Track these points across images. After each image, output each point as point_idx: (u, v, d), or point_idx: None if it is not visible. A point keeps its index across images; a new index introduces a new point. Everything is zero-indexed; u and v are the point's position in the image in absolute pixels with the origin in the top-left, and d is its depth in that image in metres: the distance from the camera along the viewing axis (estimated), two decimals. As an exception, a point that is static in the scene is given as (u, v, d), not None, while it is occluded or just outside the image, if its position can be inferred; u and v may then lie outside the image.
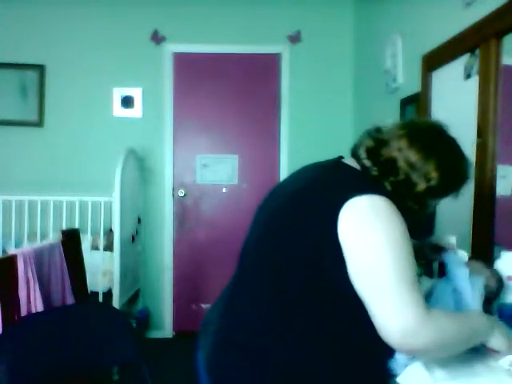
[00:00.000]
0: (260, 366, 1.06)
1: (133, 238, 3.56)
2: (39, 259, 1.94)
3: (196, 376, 1.23)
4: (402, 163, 1.06)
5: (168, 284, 3.87)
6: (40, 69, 3.74)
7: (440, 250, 1.37)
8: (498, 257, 1.37)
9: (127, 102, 3.79)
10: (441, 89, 2.19)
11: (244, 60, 3.89)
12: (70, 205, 3.37)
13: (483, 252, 1.73)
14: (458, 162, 1.13)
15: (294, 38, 3.82)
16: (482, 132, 1.77)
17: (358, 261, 0.99)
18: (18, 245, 3.27)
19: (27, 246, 2.45)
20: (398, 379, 1.04)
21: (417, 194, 1.08)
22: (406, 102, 2.64)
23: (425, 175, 1.06)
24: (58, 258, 2.10)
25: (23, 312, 1.80)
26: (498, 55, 1.71)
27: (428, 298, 1.18)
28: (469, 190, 1.84)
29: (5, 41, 3.72)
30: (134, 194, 3.59)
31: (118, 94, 3.78)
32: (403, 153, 1.07)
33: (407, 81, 2.66)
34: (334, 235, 1.00)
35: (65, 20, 3.76)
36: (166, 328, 3.87)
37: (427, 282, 1.32)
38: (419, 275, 1.37)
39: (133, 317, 3.57)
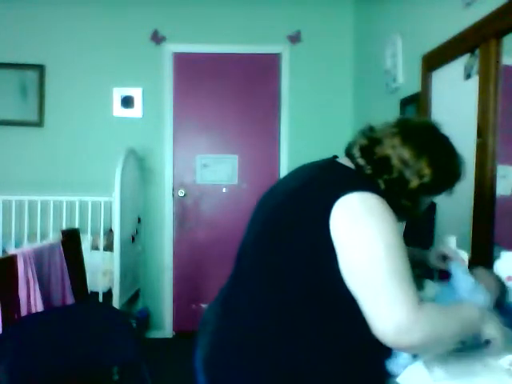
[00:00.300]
0: (257, 366, 1.06)
1: (133, 238, 3.56)
2: (39, 259, 1.94)
3: (195, 376, 1.23)
4: (395, 161, 1.08)
5: (168, 284, 3.87)
6: (40, 69, 3.74)
7: (445, 259, 1.37)
8: (498, 257, 1.37)
9: (127, 101, 3.79)
10: (441, 89, 2.19)
11: (244, 60, 3.89)
12: (70, 205, 3.37)
13: (483, 252, 1.74)
14: (450, 159, 1.14)
15: (294, 38, 3.82)
16: (482, 132, 1.77)
17: (350, 258, 0.99)
18: (18, 245, 3.27)
19: (27, 246, 2.45)
20: (398, 379, 1.04)
21: (410, 191, 1.09)
22: (405, 102, 2.64)
23: (418, 172, 1.07)
24: (58, 258, 2.10)
25: (23, 312, 1.80)
26: (498, 55, 1.71)
27: None
28: (469, 190, 1.84)
29: (5, 41, 3.72)
30: (134, 194, 3.59)
31: (117, 94, 3.78)
32: (396, 150, 1.08)
33: (407, 81, 2.66)
34: (326, 233, 1.00)
35: (65, 20, 3.76)
36: (166, 328, 3.87)
37: (431, 289, 1.30)
38: (419, 276, 1.37)
39: (133, 317, 3.57)
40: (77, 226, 3.13)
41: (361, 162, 1.11)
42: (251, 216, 1.25)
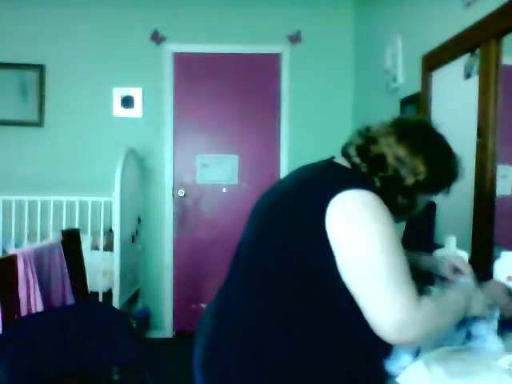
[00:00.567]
0: (254, 366, 1.06)
1: (133, 238, 3.56)
2: (39, 259, 1.94)
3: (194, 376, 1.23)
4: (390, 159, 1.09)
5: (168, 284, 3.87)
6: (40, 69, 3.74)
7: (457, 271, 1.36)
8: (498, 257, 1.36)
9: (127, 102, 3.79)
10: (441, 89, 2.19)
11: (244, 60, 3.89)
12: (70, 205, 3.37)
13: (483, 252, 1.74)
14: (446, 157, 1.15)
15: (294, 38, 3.82)
16: (482, 132, 1.77)
17: (348, 256, 0.99)
18: (18, 245, 3.27)
19: (27, 246, 2.45)
20: (398, 379, 1.04)
21: (406, 189, 1.10)
22: (406, 102, 2.64)
23: (413, 170, 1.08)
24: (58, 258, 2.10)
25: (23, 312, 1.80)
26: (498, 55, 1.71)
27: None
28: (469, 190, 1.84)
29: (5, 41, 3.72)
30: (134, 194, 3.59)
31: (117, 94, 3.78)
32: (392, 149, 1.09)
33: (407, 81, 2.66)
34: (322, 231, 1.00)
35: (65, 20, 3.76)
36: (166, 328, 3.87)
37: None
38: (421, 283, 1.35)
39: (133, 317, 3.57)
40: (77, 226, 3.14)
41: (356, 160, 1.12)
42: (249, 216, 1.26)
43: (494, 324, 1.13)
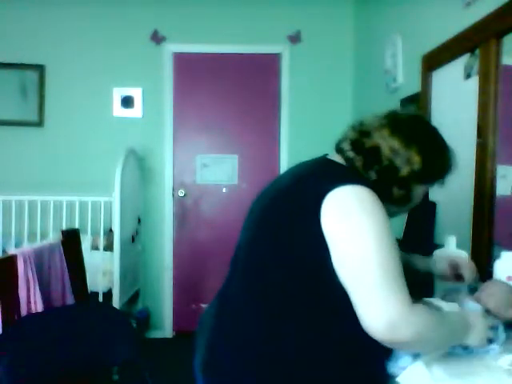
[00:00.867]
0: (254, 367, 1.06)
1: (133, 238, 3.56)
2: (39, 259, 1.94)
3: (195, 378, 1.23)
4: (385, 150, 1.09)
5: (168, 284, 3.87)
6: (40, 69, 3.73)
7: (456, 269, 1.36)
8: (498, 257, 1.37)
9: (127, 101, 3.79)
10: (441, 89, 2.19)
11: (244, 60, 3.88)
12: (70, 205, 3.37)
13: (483, 252, 1.74)
14: (439, 148, 1.16)
15: (294, 38, 3.82)
16: (482, 132, 1.77)
17: (342, 252, 0.99)
18: (18, 245, 3.26)
19: (27, 246, 2.45)
20: (398, 379, 1.04)
21: (401, 180, 1.10)
22: (405, 102, 2.64)
23: (408, 160, 1.09)
24: (58, 258, 2.10)
25: (23, 312, 1.80)
26: (498, 55, 1.71)
27: None
28: (469, 190, 1.84)
29: (5, 41, 3.72)
30: (134, 194, 3.59)
31: (117, 94, 3.78)
32: (386, 141, 1.10)
33: (407, 81, 2.66)
34: (318, 228, 1.00)
35: (65, 20, 3.76)
36: (165, 328, 3.87)
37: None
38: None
39: (133, 317, 3.57)
40: (77, 226, 3.13)
41: (351, 154, 1.12)
42: (247, 215, 1.25)
43: (499, 340, 1.10)
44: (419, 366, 1.03)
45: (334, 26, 3.85)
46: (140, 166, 3.75)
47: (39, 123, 3.75)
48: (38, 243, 2.54)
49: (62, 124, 3.78)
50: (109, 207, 3.39)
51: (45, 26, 3.75)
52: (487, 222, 1.74)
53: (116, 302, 3.09)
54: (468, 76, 1.92)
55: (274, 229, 1.09)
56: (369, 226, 0.98)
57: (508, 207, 1.75)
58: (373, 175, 1.10)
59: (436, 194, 2.20)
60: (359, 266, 0.97)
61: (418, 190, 1.16)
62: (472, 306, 1.16)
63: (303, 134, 3.82)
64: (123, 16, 3.78)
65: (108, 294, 3.17)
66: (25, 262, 1.84)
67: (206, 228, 3.90)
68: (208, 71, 3.87)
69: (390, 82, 2.86)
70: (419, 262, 1.41)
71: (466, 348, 1.08)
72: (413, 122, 1.16)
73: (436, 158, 1.14)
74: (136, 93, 3.78)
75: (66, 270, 2.13)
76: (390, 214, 1.08)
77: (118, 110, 3.78)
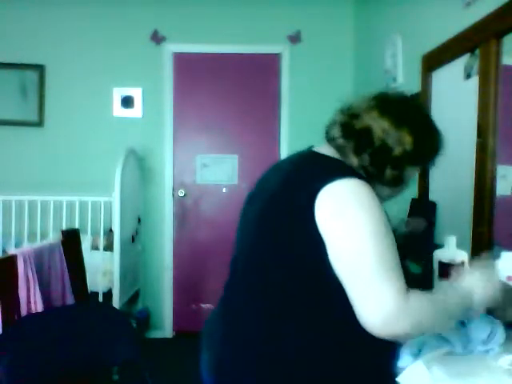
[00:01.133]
0: (254, 366, 1.06)
1: (133, 238, 3.55)
2: (39, 259, 1.94)
3: (197, 376, 1.23)
4: (376, 130, 1.08)
5: (168, 284, 3.87)
6: (40, 69, 3.73)
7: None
8: (498, 257, 1.36)
9: (127, 101, 3.79)
10: (441, 89, 2.19)
11: (244, 60, 3.88)
12: (70, 205, 3.37)
13: (483, 252, 1.73)
14: (429, 128, 1.16)
15: (294, 38, 3.82)
16: (482, 132, 1.77)
17: (338, 246, 0.98)
18: (18, 245, 3.26)
19: (27, 246, 2.45)
20: (398, 379, 1.04)
21: (394, 159, 1.09)
22: (406, 102, 2.64)
23: (399, 140, 1.08)
24: (58, 258, 2.10)
25: (23, 312, 1.80)
26: (498, 55, 1.71)
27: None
28: (469, 190, 1.84)
29: (5, 41, 3.72)
30: (134, 194, 3.59)
31: (117, 94, 3.78)
32: (376, 122, 1.09)
33: (407, 81, 2.66)
34: (313, 224, 0.99)
35: (65, 20, 3.76)
36: (165, 328, 3.87)
37: None
38: (418, 273, 1.34)
39: (133, 317, 3.56)
40: (77, 226, 3.13)
41: (341, 142, 1.12)
42: (240, 220, 1.25)
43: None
44: (419, 365, 1.03)
45: (334, 25, 3.85)
46: (140, 166, 3.75)
47: (39, 123, 3.75)
48: (38, 243, 2.54)
49: (62, 124, 3.78)
50: (109, 207, 3.39)
51: (45, 26, 3.75)
52: (487, 222, 1.74)
53: (116, 302, 3.09)
54: (468, 76, 1.92)
55: (272, 230, 1.08)
56: (364, 219, 0.98)
57: (508, 207, 1.75)
58: (366, 158, 1.09)
59: (436, 194, 2.20)
60: (355, 260, 0.96)
61: (410, 171, 1.15)
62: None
63: (303, 134, 3.80)
64: (123, 16, 3.78)
65: (108, 294, 3.17)
66: (25, 262, 1.84)
67: (206, 228, 3.90)
68: (208, 71, 3.87)
69: (390, 82, 2.86)
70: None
71: (465, 347, 1.08)
72: (402, 102, 1.16)
73: (427, 139, 1.14)
74: (136, 93, 3.78)
75: (66, 269, 2.13)
76: (383, 198, 1.08)
77: (118, 110, 3.78)
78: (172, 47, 3.82)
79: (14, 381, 1.42)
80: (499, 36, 1.70)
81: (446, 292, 1.07)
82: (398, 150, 1.08)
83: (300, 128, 3.83)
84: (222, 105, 3.89)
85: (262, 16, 3.80)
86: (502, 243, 1.66)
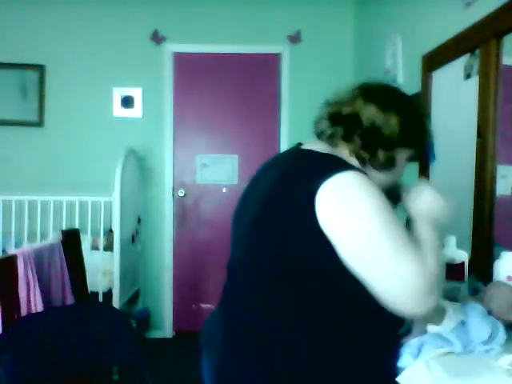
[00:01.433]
0: (264, 370, 1.05)
1: (133, 238, 3.56)
2: (39, 259, 1.94)
3: (197, 376, 1.23)
4: (364, 114, 1.11)
5: (168, 284, 3.87)
6: (40, 69, 3.74)
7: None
8: (498, 257, 1.37)
9: (127, 101, 3.79)
10: (441, 89, 2.19)
11: (244, 60, 3.89)
12: (70, 205, 3.37)
13: (483, 252, 1.73)
14: (415, 111, 1.18)
15: (294, 38, 3.82)
16: (482, 132, 1.77)
17: (350, 243, 0.97)
18: (18, 245, 3.27)
19: (27, 246, 2.45)
20: (397, 379, 1.04)
21: (385, 140, 1.10)
22: (406, 102, 2.64)
23: (387, 121, 1.10)
24: (58, 257, 2.10)
25: (23, 312, 1.80)
26: (498, 55, 1.71)
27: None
28: (469, 190, 1.84)
29: (5, 41, 3.72)
30: (134, 194, 3.59)
31: (117, 94, 3.78)
32: (363, 108, 1.11)
33: (407, 81, 2.66)
34: (315, 224, 0.98)
35: (65, 20, 3.76)
36: (165, 328, 3.87)
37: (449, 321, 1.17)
38: None
39: (133, 317, 3.57)
40: (77, 226, 3.14)
41: (331, 131, 1.14)
42: (233, 225, 1.24)
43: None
44: (419, 365, 1.03)
45: (334, 26, 3.85)
46: (140, 166, 3.75)
47: (39, 123, 3.75)
48: (38, 243, 2.54)
49: (62, 124, 3.78)
50: (109, 207, 3.39)
51: (45, 25, 3.75)
52: (487, 222, 1.74)
53: (116, 302, 3.09)
54: (468, 76, 1.92)
55: (269, 231, 1.06)
56: (368, 210, 0.97)
57: (508, 207, 1.75)
58: (357, 142, 1.10)
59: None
60: (372, 252, 0.96)
61: (402, 155, 1.15)
62: (474, 307, 1.16)
63: (303, 134, 3.79)
64: (123, 16, 3.78)
65: (108, 294, 3.18)
66: (25, 262, 1.84)
67: (206, 228, 3.90)
68: (208, 71, 3.87)
69: (390, 82, 2.86)
70: None
71: (466, 347, 1.08)
72: (385, 90, 1.19)
73: (413, 120, 1.15)
74: (136, 93, 3.78)
75: (66, 269, 2.12)
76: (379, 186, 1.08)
77: (118, 110, 3.79)
78: (172, 47, 3.82)
79: (14, 381, 1.42)
80: (499, 36, 1.70)
81: (423, 234, 1.09)
82: (386, 130, 1.10)
83: (300, 128, 3.81)
84: (221, 105, 3.89)
85: (262, 16, 3.80)
86: (502, 243, 1.66)
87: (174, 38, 3.80)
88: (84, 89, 3.78)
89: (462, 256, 1.43)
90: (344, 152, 1.13)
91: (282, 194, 1.06)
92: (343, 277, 1.00)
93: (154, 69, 3.81)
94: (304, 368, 1.03)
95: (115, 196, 3.15)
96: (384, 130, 1.10)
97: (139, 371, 1.58)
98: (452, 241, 1.44)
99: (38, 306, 1.86)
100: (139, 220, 3.73)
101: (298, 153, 1.17)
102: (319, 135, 1.19)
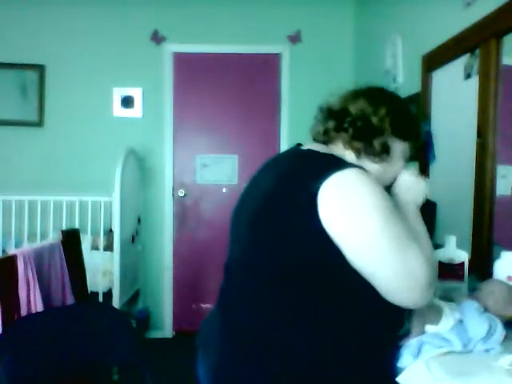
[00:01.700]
0: (269, 370, 1.05)
1: (133, 238, 3.56)
2: (39, 259, 1.94)
3: (196, 377, 1.23)
4: (354, 105, 1.16)
5: (168, 284, 3.87)
6: (40, 69, 3.74)
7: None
8: (498, 257, 1.37)
9: (127, 101, 3.79)
10: (441, 89, 2.19)
11: (244, 60, 3.89)
12: (70, 205, 3.38)
13: (483, 252, 1.74)
14: (404, 107, 1.21)
15: (294, 38, 3.82)
16: (482, 132, 1.78)
17: (354, 241, 0.97)
18: (18, 245, 3.27)
19: (27, 246, 2.45)
20: (397, 379, 1.04)
21: (377, 129, 1.13)
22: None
23: (376, 112, 1.14)
24: (58, 257, 2.10)
25: (23, 312, 1.80)
26: (498, 55, 1.71)
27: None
28: (469, 190, 1.84)
29: (5, 41, 3.72)
30: (134, 194, 3.59)
31: (117, 94, 3.78)
32: (352, 104, 1.16)
33: (407, 81, 2.66)
34: (317, 224, 0.98)
35: (65, 20, 3.76)
36: (166, 328, 3.88)
37: (448, 320, 1.16)
38: None
39: (133, 317, 3.57)
40: (77, 226, 3.14)
41: (324, 125, 1.19)
42: (232, 224, 1.25)
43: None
44: (419, 365, 1.03)
45: (334, 26, 3.85)
46: (140, 166, 3.75)
47: (39, 123, 3.75)
48: (38, 243, 2.54)
49: (62, 124, 3.78)
50: (109, 207, 3.39)
51: (45, 25, 3.76)
52: (487, 222, 1.74)
53: (116, 302, 3.09)
54: (468, 76, 1.92)
55: (269, 231, 1.06)
56: (371, 206, 0.97)
57: (508, 207, 1.75)
58: (349, 131, 1.13)
59: (436, 194, 2.19)
60: (376, 249, 0.96)
61: (396, 146, 1.16)
62: (470, 305, 1.16)
63: (303, 134, 3.80)
64: (123, 16, 3.78)
65: (108, 294, 3.18)
66: (25, 262, 1.84)
67: (206, 228, 3.90)
68: (208, 71, 3.87)
69: (390, 82, 2.86)
70: None
71: (465, 346, 1.08)
72: (374, 89, 1.22)
73: (402, 112, 1.18)
74: (136, 93, 3.78)
75: (66, 269, 2.13)
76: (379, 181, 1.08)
77: (118, 110, 3.79)
78: (172, 47, 3.82)
79: (14, 381, 1.42)
80: (499, 36, 1.70)
81: (417, 227, 1.11)
82: (376, 118, 1.13)
83: (300, 128, 3.81)
84: (221, 105, 3.89)
85: (262, 16, 3.80)
86: (501, 243, 1.66)
87: (173, 37, 3.80)
88: (84, 89, 3.78)
89: (462, 256, 1.43)
90: (339, 145, 1.16)
91: (281, 193, 1.06)
92: (343, 276, 1.01)
93: (154, 69, 3.81)
94: (303, 368, 1.03)
95: (115, 196, 3.15)
96: (373, 117, 1.13)
97: (139, 371, 1.58)
98: (452, 241, 1.44)
99: (38, 306, 1.86)
100: (139, 220, 3.73)
101: (297, 153, 1.17)
102: (315, 137, 1.22)
